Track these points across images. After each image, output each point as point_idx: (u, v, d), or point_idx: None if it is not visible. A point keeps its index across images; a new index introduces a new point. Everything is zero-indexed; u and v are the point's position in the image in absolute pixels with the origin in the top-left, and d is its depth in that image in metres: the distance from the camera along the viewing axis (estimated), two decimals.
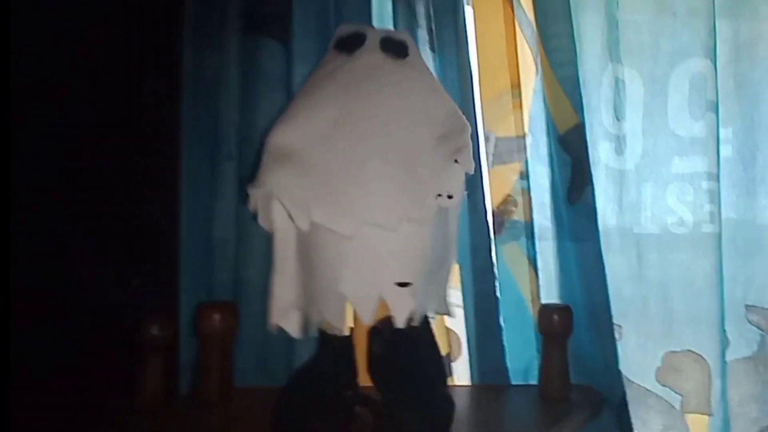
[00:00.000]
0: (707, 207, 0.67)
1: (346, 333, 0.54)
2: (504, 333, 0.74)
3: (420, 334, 0.57)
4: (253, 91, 0.76)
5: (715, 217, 0.67)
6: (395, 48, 0.56)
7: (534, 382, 0.71)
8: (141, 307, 0.72)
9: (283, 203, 0.51)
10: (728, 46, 0.71)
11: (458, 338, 0.75)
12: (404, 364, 0.56)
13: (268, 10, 0.75)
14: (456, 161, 0.53)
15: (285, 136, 0.52)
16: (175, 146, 0.74)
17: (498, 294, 0.74)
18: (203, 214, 0.74)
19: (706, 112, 0.68)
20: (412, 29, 0.75)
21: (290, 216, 0.51)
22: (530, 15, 0.76)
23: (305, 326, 0.55)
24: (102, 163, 0.75)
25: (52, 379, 0.71)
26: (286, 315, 0.55)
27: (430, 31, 0.75)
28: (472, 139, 0.57)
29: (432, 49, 0.75)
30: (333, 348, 0.55)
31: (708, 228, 0.67)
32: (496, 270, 0.74)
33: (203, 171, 0.75)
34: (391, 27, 0.76)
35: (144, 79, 0.77)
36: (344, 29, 0.59)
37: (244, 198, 0.74)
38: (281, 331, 0.56)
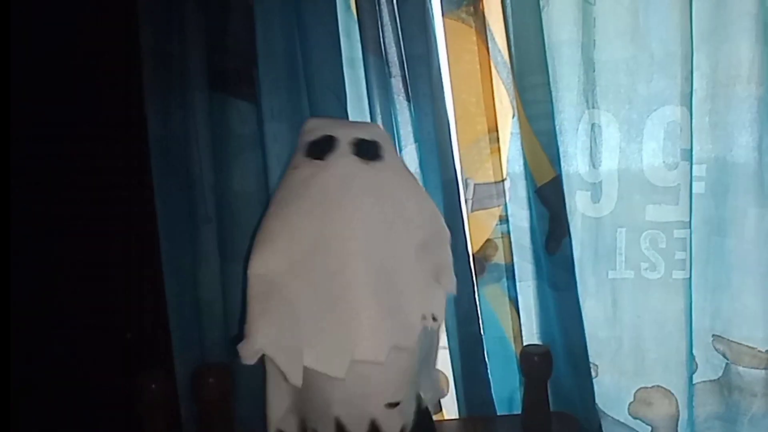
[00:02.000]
0: (679, 255, 0.70)
1: None
2: (489, 367, 0.79)
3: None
4: (225, 152, 0.74)
5: (686, 263, 0.70)
6: (368, 151, 0.54)
7: (517, 410, 0.77)
8: (137, 366, 0.76)
9: (275, 362, 0.52)
10: (706, 81, 0.71)
11: (445, 377, 0.79)
12: None
13: (231, 67, 0.72)
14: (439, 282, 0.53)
15: (265, 267, 0.52)
16: (151, 211, 0.73)
17: (482, 333, 0.77)
18: (187, 277, 0.75)
19: (680, 162, 0.69)
20: (385, 79, 0.73)
21: (282, 372, 0.51)
22: (505, 55, 0.74)
23: (303, 427, 0.56)
24: (90, 226, 0.77)
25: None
26: (283, 421, 0.57)
27: (404, 79, 0.73)
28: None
29: (407, 99, 0.73)
30: None
31: (679, 274, 0.70)
32: (479, 311, 0.77)
33: (182, 234, 0.74)
34: (362, 77, 0.73)
35: (110, 142, 0.75)
36: (313, 129, 0.56)
37: (226, 259, 0.76)
38: None
